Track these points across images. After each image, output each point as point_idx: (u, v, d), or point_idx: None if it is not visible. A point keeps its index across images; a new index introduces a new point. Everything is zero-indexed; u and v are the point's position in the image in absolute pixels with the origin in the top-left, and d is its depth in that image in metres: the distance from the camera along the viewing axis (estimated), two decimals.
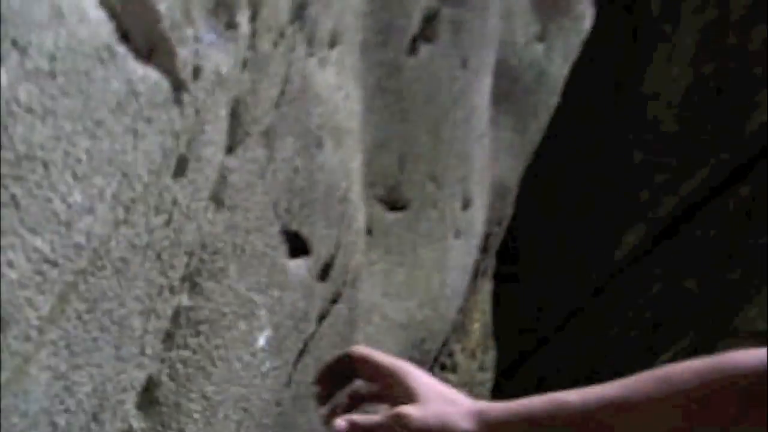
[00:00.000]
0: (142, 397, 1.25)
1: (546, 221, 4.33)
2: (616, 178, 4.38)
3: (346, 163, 1.79)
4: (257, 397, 1.54)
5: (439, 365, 3.22)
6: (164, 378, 1.28)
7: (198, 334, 1.33)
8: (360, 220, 1.89)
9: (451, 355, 3.28)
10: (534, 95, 3.47)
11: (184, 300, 1.28)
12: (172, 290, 1.22)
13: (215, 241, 1.32)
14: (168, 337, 1.27)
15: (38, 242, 0.87)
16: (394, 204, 2.42)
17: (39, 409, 0.93)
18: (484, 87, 2.84)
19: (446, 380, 3.22)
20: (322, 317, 1.78)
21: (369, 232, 2.30)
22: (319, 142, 1.64)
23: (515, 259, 4.09)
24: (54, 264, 0.90)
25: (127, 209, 1.00)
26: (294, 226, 1.58)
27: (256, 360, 1.50)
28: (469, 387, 3.44)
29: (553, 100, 3.62)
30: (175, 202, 1.13)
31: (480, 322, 3.51)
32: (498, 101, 3.17)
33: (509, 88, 3.33)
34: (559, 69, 3.60)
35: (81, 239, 0.93)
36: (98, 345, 1.01)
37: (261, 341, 1.51)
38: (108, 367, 1.05)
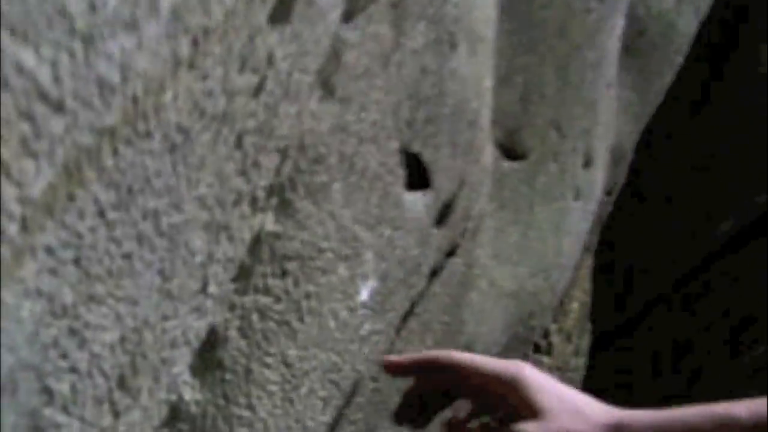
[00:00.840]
0: (200, 358, 0.83)
1: (645, 196, 3.85)
2: (726, 161, 3.86)
3: (480, 78, 1.34)
4: (351, 368, 1.11)
5: (533, 346, 2.77)
6: (233, 333, 0.86)
7: (284, 274, 0.90)
8: (488, 156, 1.44)
9: (546, 335, 2.82)
10: (659, 51, 2.97)
11: (269, 222, 0.86)
12: (253, 203, 0.79)
13: (318, 144, 0.89)
14: (242, 274, 0.84)
15: (29, 57, 0.44)
16: (513, 151, 1.96)
17: (17, 365, 0.51)
18: (616, 29, 2.36)
19: (540, 363, 2.77)
20: (434, 272, 1.34)
21: None
22: (453, 40, 1.19)
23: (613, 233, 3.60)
24: (58, 107, 0.47)
25: (194, 43, 0.57)
26: (416, 147, 1.14)
27: (355, 318, 1.07)
28: (562, 372, 2.98)
29: (678, 59, 3.12)
30: (270, 60, 0.70)
31: (579, 302, 3.04)
32: (620, 54, 2.69)
33: (634, 41, 2.84)
34: (688, 25, 3.10)
35: (110, 73, 0.50)
36: (132, 266, 0.59)
37: (364, 294, 1.08)
38: (147, 306, 0.63)
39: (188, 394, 0.84)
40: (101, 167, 0.53)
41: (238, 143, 0.69)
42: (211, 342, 0.84)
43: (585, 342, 3.17)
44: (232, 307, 0.85)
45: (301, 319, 0.95)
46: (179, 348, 0.74)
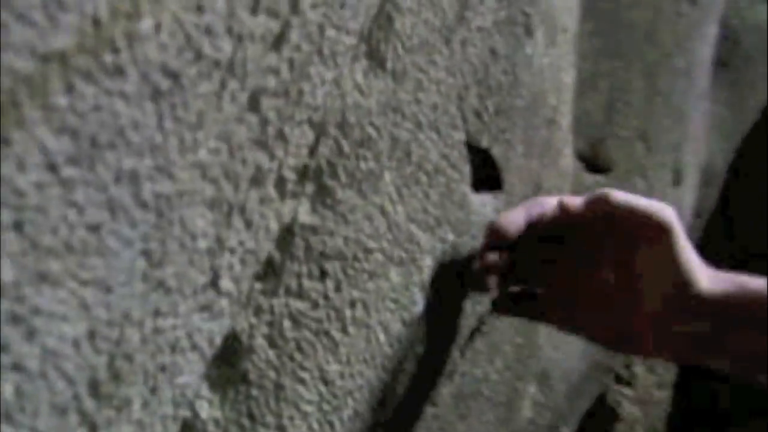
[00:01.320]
0: (217, 369, 0.69)
1: (738, 222, 3.60)
2: None
3: (559, 72, 1.18)
4: (405, 391, 0.96)
5: (614, 376, 2.56)
6: (259, 341, 0.72)
7: (323, 276, 0.76)
8: (567, 160, 1.28)
9: (628, 366, 2.61)
10: (754, 64, 2.76)
11: (304, 212, 0.72)
12: (280, 184, 0.65)
13: (365, 124, 0.75)
14: (270, 271, 0.71)
15: None
16: (596, 163, 1.79)
17: None
18: (709, 37, 2.17)
19: (621, 395, 2.56)
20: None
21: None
22: (528, 24, 1.04)
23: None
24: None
25: None
26: (485, 141, 0.99)
27: (409, 332, 0.92)
28: (643, 405, 2.76)
29: None
30: (295, 5, 0.56)
31: None
32: (713, 66, 2.49)
33: (727, 53, 2.63)
34: None
35: None
36: (102, 242, 0.46)
37: (419, 305, 0.93)
38: (126, 296, 0.50)
39: (205, 412, 0.70)
40: (49, 105, 0.39)
41: (254, 104, 0.55)
42: (232, 350, 0.70)
43: (670, 374, 2.94)
44: (258, 311, 0.71)
45: (344, 330, 0.80)
46: (184, 354, 0.61)
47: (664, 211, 0.87)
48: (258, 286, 0.70)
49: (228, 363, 0.71)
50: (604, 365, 1.98)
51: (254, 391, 0.73)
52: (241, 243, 0.62)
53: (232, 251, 0.61)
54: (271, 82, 0.56)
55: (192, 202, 0.52)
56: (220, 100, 0.51)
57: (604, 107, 1.76)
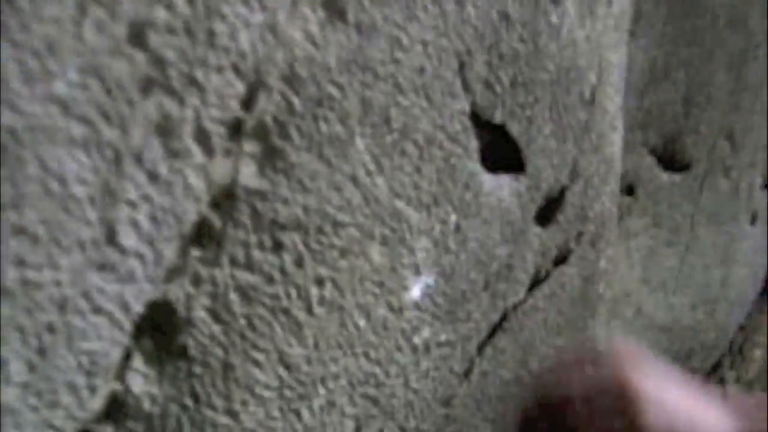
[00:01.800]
0: (151, 339, 0.63)
1: None
2: None
3: (601, 48, 1.07)
4: (402, 385, 0.87)
5: None
6: (200, 313, 0.65)
7: (277, 248, 0.69)
8: (616, 146, 1.16)
9: (721, 383, 2.42)
10: None
11: (247, 174, 0.64)
12: (203, 139, 0.58)
13: (321, 79, 0.67)
14: (207, 237, 0.64)
15: None
16: (671, 160, 1.65)
17: None
18: None
19: None
20: (536, 281, 1.07)
21: (631, 191, 1.56)
22: None
23: None
24: None
25: None
26: (498, 116, 0.90)
27: (401, 321, 0.84)
28: None
29: None
30: None
31: (763, 349, 2.61)
32: None
33: None
34: None
35: None
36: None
37: (415, 292, 0.84)
38: (12, 242, 0.44)
39: (138, 386, 0.64)
40: None
41: (137, 38, 0.48)
42: (165, 321, 0.63)
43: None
44: (196, 280, 0.64)
45: (308, 310, 0.73)
46: (83, 316, 0.54)
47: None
48: (195, 253, 0.63)
49: (161, 334, 0.64)
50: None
51: (197, 369, 0.66)
52: (146, 198, 0.55)
53: (132, 205, 0.54)
54: (161, 14, 0.50)
55: (52, 140, 0.46)
56: (78, 27, 0.45)
57: (681, 100, 1.62)
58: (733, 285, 1.83)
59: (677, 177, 1.65)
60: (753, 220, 1.86)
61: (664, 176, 1.62)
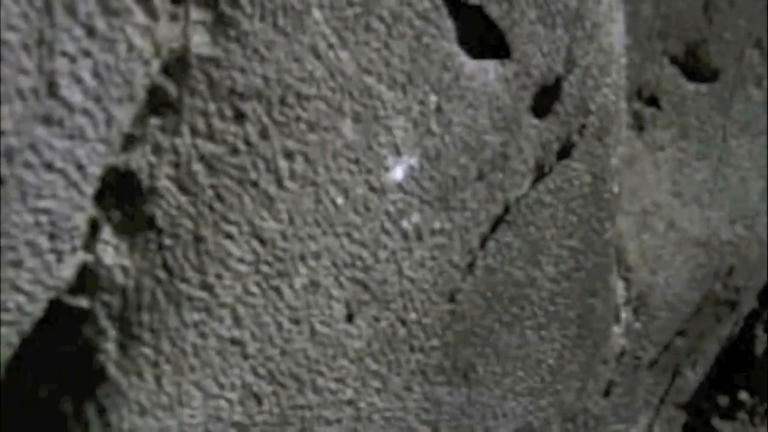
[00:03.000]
0: (117, 209, 0.66)
1: None
2: None
3: None
4: (394, 272, 0.89)
5: (764, 323, 2.33)
6: (164, 182, 0.68)
7: (239, 117, 0.70)
8: (615, 36, 1.15)
9: None
10: None
11: (199, 41, 0.66)
12: (145, 2, 0.60)
13: None
14: (165, 105, 0.66)
15: None
16: (696, 70, 1.62)
17: None
18: None
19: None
20: (539, 174, 1.08)
21: (655, 102, 1.54)
22: None
23: None
24: None
25: None
26: None
27: (383, 203, 0.85)
28: None
29: None
30: None
31: None
32: None
33: None
34: None
35: None
36: None
37: (396, 172, 0.85)
38: None
39: (110, 257, 0.67)
40: None
41: None
42: (128, 189, 0.66)
43: None
44: (157, 149, 0.66)
45: (279, 183, 0.74)
46: (34, 171, 0.57)
47: None
48: (154, 121, 0.66)
49: (128, 205, 0.67)
50: (724, 298, 1.79)
51: (167, 240, 0.69)
52: (87, 53, 0.58)
53: (70, 58, 0.57)
54: None
55: None
56: None
57: (701, 6, 1.59)
58: None
59: (704, 87, 1.62)
60: None
61: (690, 86, 1.59)
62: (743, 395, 2.34)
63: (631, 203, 1.49)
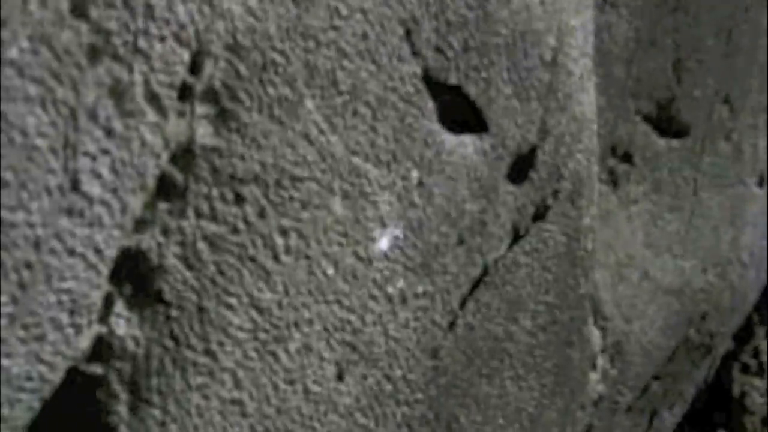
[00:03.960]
0: (130, 285, 0.73)
1: None
2: None
3: (557, 11, 1.16)
4: (381, 333, 0.96)
5: (740, 365, 2.42)
6: (171, 261, 0.75)
7: (239, 200, 0.78)
8: (587, 106, 1.24)
9: (756, 354, 2.45)
10: None
11: (203, 133, 0.74)
12: (155, 102, 0.68)
13: (264, 47, 0.77)
14: (171, 191, 0.74)
15: None
16: (668, 127, 1.72)
17: None
18: None
19: (750, 385, 2.41)
20: (515, 236, 1.16)
21: (629, 159, 1.63)
22: None
23: None
24: None
25: None
26: (453, 79, 0.99)
27: (370, 271, 0.93)
28: None
29: None
30: None
31: None
32: None
33: None
34: None
35: None
36: None
37: (382, 243, 0.93)
38: None
39: (122, 329, 0.74)
40: None
41: (78, 11, 0.59)
42: (140, 268, 0.73)
43: None
44: (165, 231, 0.74)
45: (275, 258, 0.82)
46: (58, 256, 0.65)
47: None
48: (162, 206, 0.73)
49: (139, 281, 0.74)
50: (698, 342, 1.87)
51: (174, 312, 0.76)
52: (105, 151, 0.65)
53: (92, 157, 0.64)
54: None
55: (11, 98, 0.56)
56: (25, 3, 0.55)
57: (671, 66, 1.69)
58: (745, 247, 1.89)
59: (675, 142, 1.71)
60: (761, 182, 1.91)
61: (662, 142, 1.69)
62: None
63: (607, 256, 1.57)
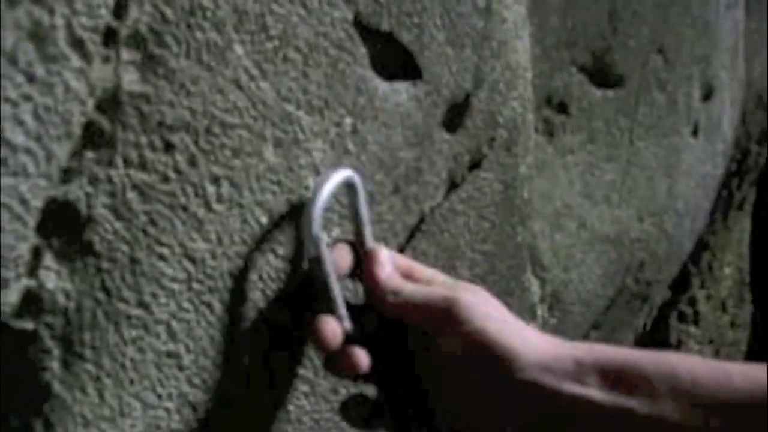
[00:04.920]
0: (58, 238, 0.72)
1: None
2: None
3: None
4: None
5: (677, 313, 2.49)
6: (101, 211, 0.74)
7: (168, 148, 0.78)
8: (521, 53, 1.25)
9: (692, 303, 2.53)
10: None
11: (130, 80, 0.73)
12: (78, 46, 0.67)
13: None
14: (100, 140, 0.73)
15: None
16: (603, 77, 1.74)
17: None
18: None
19: (687, 334, 2.48)
20: (451, 185, 1.17)
21: (564, 109, 1.65)
22: None
23: None
24: None
25: None
26: (385, 24, 0.99)
27: (305, 219, 0.93)
28: (716, 346, 2.66)
29: None
30: None
31: (733, 267, 2.71)
32: None
33: None
34: None
35: None
36: None
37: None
38: None
39: (52, 282, 0.73)
40: None
41: None
42: (69, 219, 0.73)
43: (745, 312, 2.82)
44: (93, 180, 0.73)
45: (207, 207, 0.82)
46: None
47: (447, 300, 0.82)
48: (90, 155, 0.73)
49: (68, 233, 0.73)
50: (636, 291, 1.92)
51: (105, 264, 0.76)
52: (27, 97, 0.64)
53: (13, 103, 0.63)
54: None
55: None
56: None
57: (606, 16, 1.71)
58: (680, 196, 1.93)
59: (610, 93, 1.74)
60: (695, 132, 1.96)
61: (597, 93, 1.71)
62: None
63: (544, 206, 1.60)
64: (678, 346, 2.41)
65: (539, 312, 1.60)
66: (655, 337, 2.32)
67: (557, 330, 1.67)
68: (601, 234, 1.72)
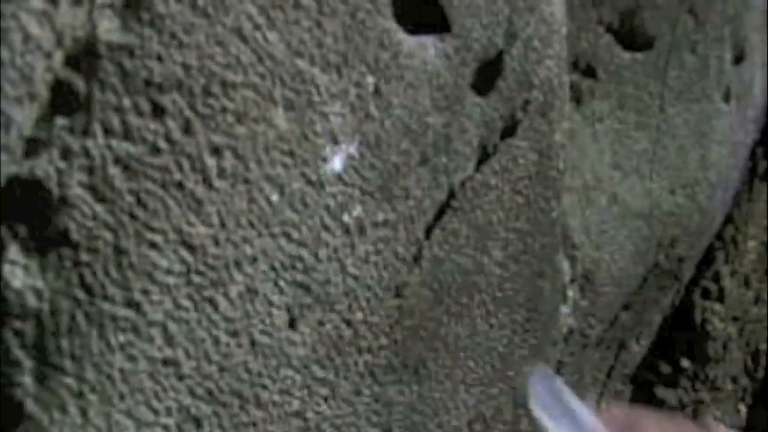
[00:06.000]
0: (26, 224, 0.58)
1: None
2: None
3: None
4: (337, 270, 0.82)
5: (701, 290, 2.35)
6: (77, 191, 0.60)
7: (158, 112, 0.63)
8: (556, 7, 1.10)
9: (717, 279, 2.38)
10: None
11: (108, 28, 0.59)
12: None
13: None
14: (73, 102, 0.58)
15: None
16: (631, 39, 1.59)
17: None
18: None
19: (711, 311, 2.34)
20: (483, 155, 1.02)
21: (592, 73, 1.50)
22: None
23: None
24: None
25: None
26: None
27: (322, 197, 0.78)
28: (741, 323, 2.52)
29: None
30: None
31: (757, 240, 2.56)
32: None
33: None
34: None
35: None
36: None
37: (335, 163, 0.79)
38: None
39: (18, 280, 0.59)
40: None
41: None
42: (39, 202, 0.58)
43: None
44: (66, 154, 0.59)
45: (207, 184, 0.67)
46: None
47: None
48: (61, 121, 0.58)
49: (35, 218, 0.59)
50: (668, 269, 1.78)
51: (84, 256, 0.61)
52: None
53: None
54: None
55: None
56: None
57: None
58: (713, 166, 1.79)
59: (639, 55, 1.59)
60: (727, 97, 1.81)
61: (626, 55, 1.56)
62: (684, 362, 2.35)
63: (573, 178, 1.45)
64: (702, 325, 2.28)
65: (570, 294, 1.46)
66: (680, 316, 2.19)
67: (588, 313, 1.54)
68: (632, 208, 1.57)
